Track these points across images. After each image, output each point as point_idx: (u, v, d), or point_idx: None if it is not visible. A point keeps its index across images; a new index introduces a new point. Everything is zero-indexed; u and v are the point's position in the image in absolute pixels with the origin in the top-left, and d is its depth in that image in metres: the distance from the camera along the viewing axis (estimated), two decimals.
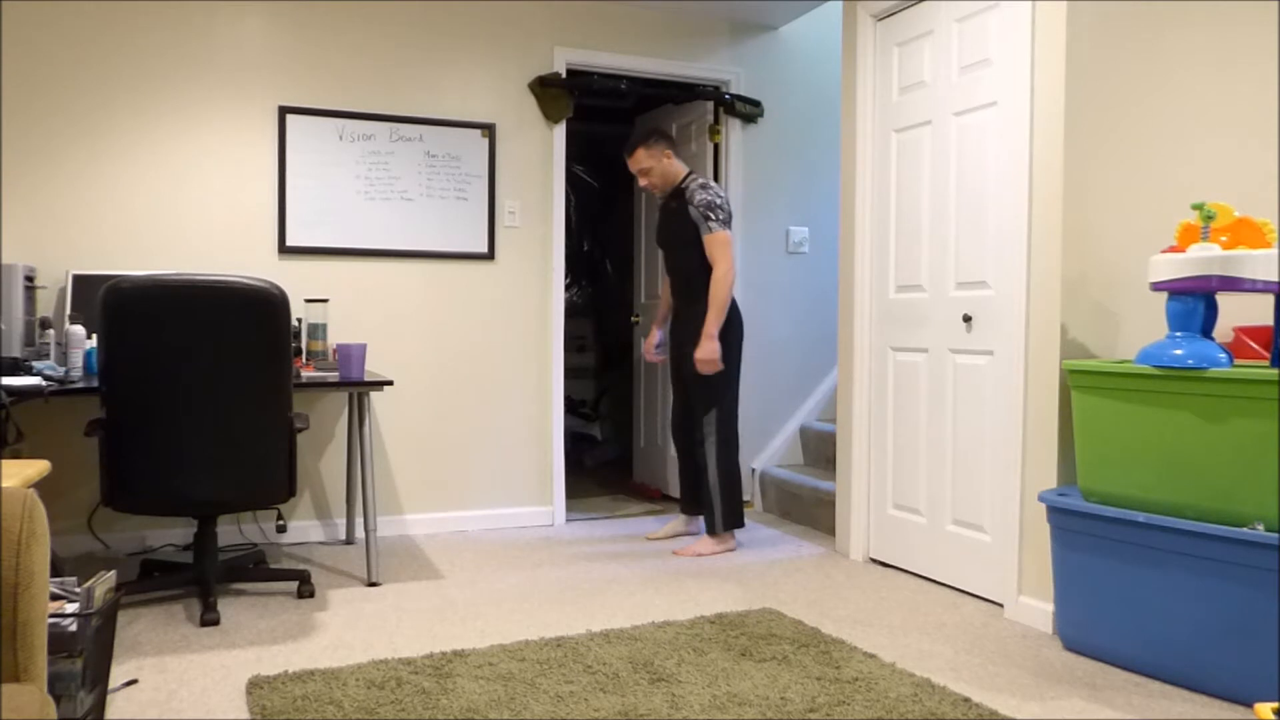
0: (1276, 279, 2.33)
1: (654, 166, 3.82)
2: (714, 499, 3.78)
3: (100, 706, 2.01)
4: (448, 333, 4.14)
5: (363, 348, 3.20)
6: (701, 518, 4.02)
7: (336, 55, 3.93)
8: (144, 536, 3.70)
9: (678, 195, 3.85)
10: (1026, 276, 2.92)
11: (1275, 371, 2.23)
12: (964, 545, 3.20)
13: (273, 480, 2.90)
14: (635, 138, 3.86)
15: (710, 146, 4.66)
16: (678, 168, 3.87)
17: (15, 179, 3.51)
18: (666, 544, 3.91)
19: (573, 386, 6.42)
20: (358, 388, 3.22)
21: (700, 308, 3.78)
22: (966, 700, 2.27)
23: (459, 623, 2.86)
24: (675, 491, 4.74)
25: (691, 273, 3.81)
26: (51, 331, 3.25)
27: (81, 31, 3.57)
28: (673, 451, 4.79)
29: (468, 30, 4.14)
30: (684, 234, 3.79)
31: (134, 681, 2.36)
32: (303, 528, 3.92)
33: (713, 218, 3.71)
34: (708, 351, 3.67)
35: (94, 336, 3.19)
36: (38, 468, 2.50)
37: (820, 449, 4.64)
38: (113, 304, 2.67)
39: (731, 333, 3.79)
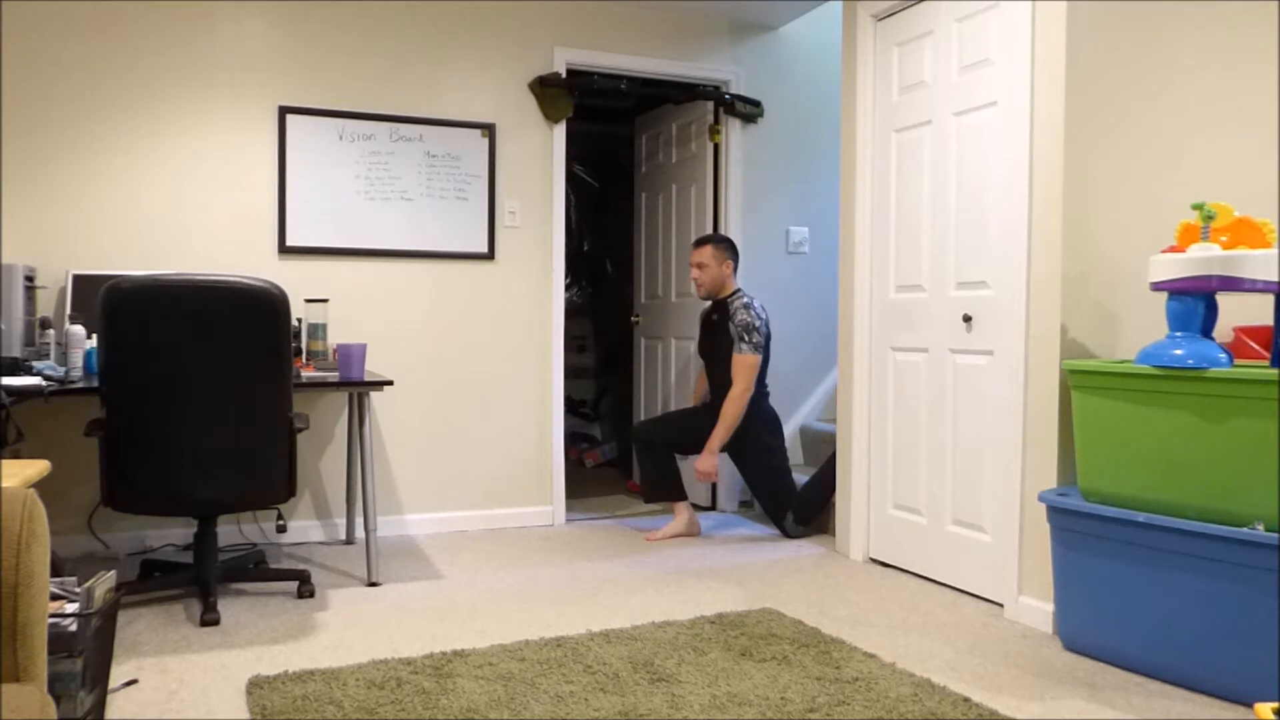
0: (1276, 279, 2.33)
1: (712, 267, 4.08)
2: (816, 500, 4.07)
3: (100, 706, 2.01)
4: (448, 333, 4.14)
5: (363, 348, 3.20)
6: (697, 516, 4.01)
7: (336, 55, 3.93)
8: (144, 536, 3.70)
9: (721, 308, 4.09)
10: (1026, 276, 2.92)
11: (1275, 371, 2.23)
12: (964, 545, 3.20)
13: (273, 480, 2.90)
14: (711, 236, 4.12)
15: (710, 146, 4.66)
16: (730, 282, 4.12)
17: (15, 179, 3.51)
18: (667, 544, 3.91)
19: (573, 386, 6.42)
20: (358, 388, 3.22)
21: None
22: (966, 700, 2.27)
23: (459, 623, 2.86)
24: None
25: (729, 383, 4.04)
26: (51, 331, 3.25)
27: (81, 32, 3.57)
28: None
29: (468, 30, 4.14)
30: (723, 349, 4.04)
31: (134, 681, 2.36)
32: (303, 528, 3.92)
33: (746, 340, 3.96)
34: (707, 464, 3.95)
35: (94, 336, 3.19)
36: (38, 468, 2.50)
37: (820, 449, 4.63)
38: (112, 304, 2.67)
39: (769, 428, 4.07)
